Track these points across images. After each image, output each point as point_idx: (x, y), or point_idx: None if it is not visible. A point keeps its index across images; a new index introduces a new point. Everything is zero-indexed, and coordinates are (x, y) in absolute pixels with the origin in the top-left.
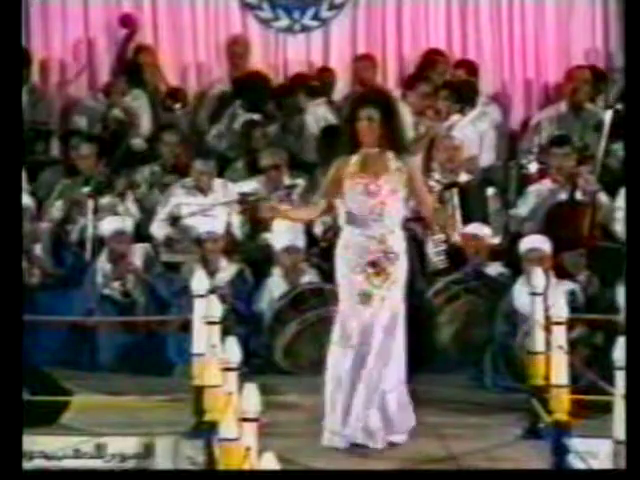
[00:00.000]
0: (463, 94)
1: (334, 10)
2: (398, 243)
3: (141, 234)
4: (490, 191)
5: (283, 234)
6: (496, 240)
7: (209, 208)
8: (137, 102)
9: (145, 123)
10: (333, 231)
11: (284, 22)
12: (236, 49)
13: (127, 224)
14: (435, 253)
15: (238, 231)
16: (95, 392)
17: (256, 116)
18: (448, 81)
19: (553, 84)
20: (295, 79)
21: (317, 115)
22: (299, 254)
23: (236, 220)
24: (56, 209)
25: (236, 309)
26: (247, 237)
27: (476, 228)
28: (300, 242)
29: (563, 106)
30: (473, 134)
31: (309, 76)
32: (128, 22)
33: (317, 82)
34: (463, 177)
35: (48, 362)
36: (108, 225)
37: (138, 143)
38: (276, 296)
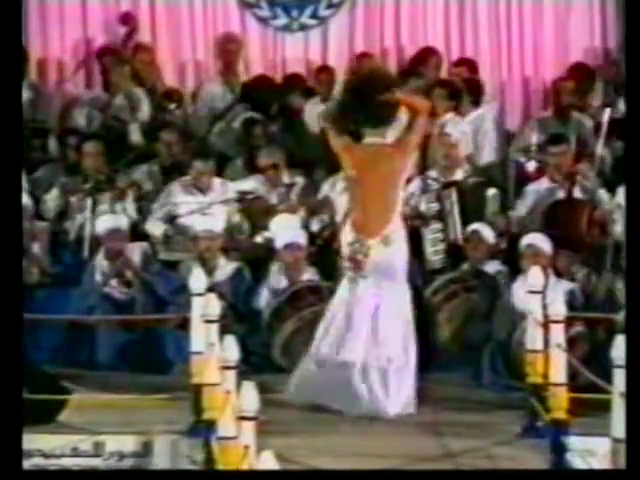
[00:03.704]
0: (458, 92)
1: (332, 8)
2: None
3: (140, 233)
4: (491, 192)
5: (284, 232)
6: (496, 241)
7: (208, 207)
8: (136, 101)
9: (144, 114)
10: (330, 229)
11: (282, 20)
12: (229, 47)
13: (122, 222)
14: (433, 251)
15: (236, 229)
16: (93, 390)
17: (256, 114)
18: (443, 79)
19: (551, 83)
20: (290, 79)
21: (315, 114)
22: (300, 251)
23: (235, 218)
24: (54, 207)
25: (234, 307)
26: (245, 235)
27: (476, 226)
28: (301, 239)
29: (550, 114)
30: (468, 132)
31: (304, 77)
32: (128, 20)
33: (313, 82)
34: (459, 175)
35: (46, 360)
36: (103, 224)
37: (136, 139)
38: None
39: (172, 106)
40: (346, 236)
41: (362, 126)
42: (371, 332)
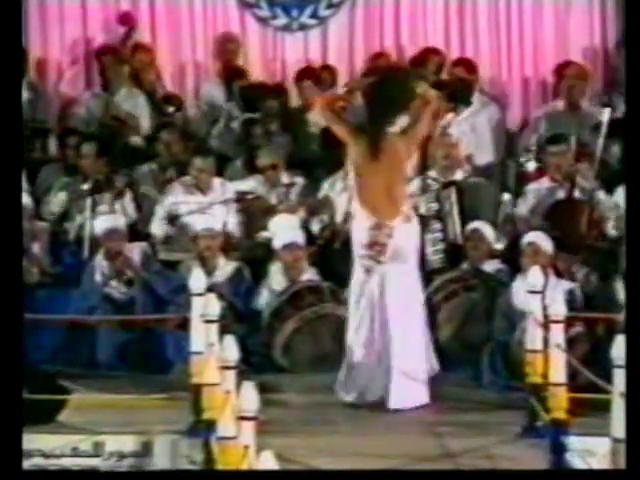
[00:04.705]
0: (456, 93)
1: (332, 8)
2: None
3: (139, 232)
4: (506, 196)
5: (283, 232)
6: (502, 244)
7: (207, 207)
8: (135, 101)
9: (144, 123)
10: (330, 229)
11: (282, 20)
12: (229, 46)
13: (120, 222)
14: (433, 251)
15: (236, 229)
16: (93, 390)
17: (255, 114)
18: (441, 80)
19: (550, 82)
20: (303, 72)
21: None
22: (300, 251)
23: (234, 218)
24: (54, 207)
25: (234, 307)
26: (245, 235)
27: (476, 224)
28: (300, 239)
29: (560, 104)
30: (468, 132)
31: (316, 69)
32: (126, 20)
33: (324, 75)
34: (459, 175)
35: (46, 360)
36: (101, 224)
37: (136, 140)
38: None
39: (172, 109)
40: (362, 222)
41: (377, 118)
42: (393, 327)
